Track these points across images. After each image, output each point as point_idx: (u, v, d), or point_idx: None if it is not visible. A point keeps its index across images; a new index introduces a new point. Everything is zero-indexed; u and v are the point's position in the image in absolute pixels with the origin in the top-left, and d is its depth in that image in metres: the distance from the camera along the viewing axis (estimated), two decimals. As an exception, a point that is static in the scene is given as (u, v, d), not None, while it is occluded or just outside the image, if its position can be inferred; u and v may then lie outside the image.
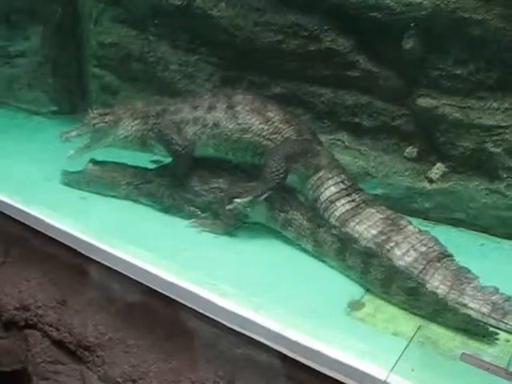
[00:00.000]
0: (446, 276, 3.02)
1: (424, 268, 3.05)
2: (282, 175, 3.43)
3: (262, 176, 3.48)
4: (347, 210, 3.40)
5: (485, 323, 2.74)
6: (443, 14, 3.47)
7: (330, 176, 3.53)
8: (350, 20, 3.89)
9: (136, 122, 3.96)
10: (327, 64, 4.07)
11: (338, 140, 4.13)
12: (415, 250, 3.14)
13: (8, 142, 5.32)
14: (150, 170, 4.17)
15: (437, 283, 2.98)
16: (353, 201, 3.45)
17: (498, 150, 3.58)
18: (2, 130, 5.65)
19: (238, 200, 3.44)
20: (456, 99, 3.68)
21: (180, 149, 3.75)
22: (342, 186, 3.50)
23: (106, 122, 3.96)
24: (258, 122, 3.60)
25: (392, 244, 3.18)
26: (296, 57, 4.14)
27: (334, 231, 3.28)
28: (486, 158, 3.66)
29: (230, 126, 3.63)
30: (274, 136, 3.59)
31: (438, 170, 3.85)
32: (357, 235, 3.26)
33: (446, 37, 3.57)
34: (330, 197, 3.47)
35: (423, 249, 3.16)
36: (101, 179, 4.17)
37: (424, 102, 3.78)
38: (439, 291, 2.93)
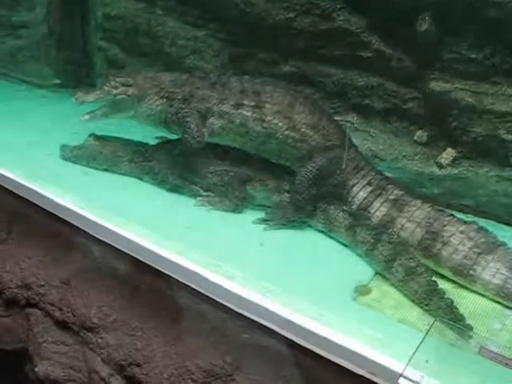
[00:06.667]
0: (498, 268, 2.99)
1: (474, 263, 3.03)
2: (307, 205, 3.52)
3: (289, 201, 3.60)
4: (383, 215, 3.40)
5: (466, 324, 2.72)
6: (460, -5, 3.41)
7: (356, 182, 3.54)
8: (363, -1, 3.81)
9: (161, 101, 3.79)
10: (339, 43, 4.00)
11: (348, 121, 4.07)
12: (464, 245, 3.10)
13: (10, 114, 5.23)
14: (153, 146, 4.08)
15: (489, 277, 2.98)
16: (386, 201, 3.43)
17: (511, 136, 3.55)
18: (5, 103, 5.54)
19: (267, 227, 3.53)
20: (469, 84, 3.63)
21: (192, 142, 3.67)
22: (369, 188, 3.50)
23: (128, 95, 3.76)
24: (284, 128, 3.51)
25: (439, 246, 3.15)
26: (307, 35, 4.06)
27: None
28: (497, 145, 3.62)
29: (257, 129, 3.55)
30: (300, 144, 3.53)
31: (448, 155, 3.81)
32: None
33: (461, 19, 3.50)
34: (361, 204, 3.48)
35: (471, 243, 3.11)
36: (102, 155, 4.08)
37: (437, 85, 3.72)
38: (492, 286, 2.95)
